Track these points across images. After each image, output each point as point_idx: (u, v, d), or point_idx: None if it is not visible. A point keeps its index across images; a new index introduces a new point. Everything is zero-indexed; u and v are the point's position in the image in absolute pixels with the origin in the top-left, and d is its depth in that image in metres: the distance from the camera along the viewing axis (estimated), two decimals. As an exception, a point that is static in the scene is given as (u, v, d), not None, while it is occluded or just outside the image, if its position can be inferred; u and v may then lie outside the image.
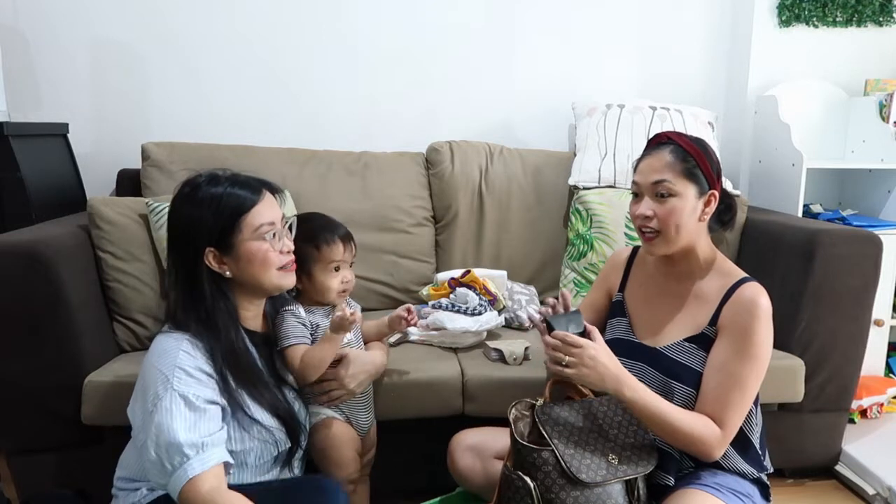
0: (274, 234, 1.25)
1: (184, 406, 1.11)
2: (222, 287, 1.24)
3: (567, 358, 1.19)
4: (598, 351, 1.20)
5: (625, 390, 1.20)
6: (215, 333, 1.20)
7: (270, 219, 1.25)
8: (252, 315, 1.32)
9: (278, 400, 1.27)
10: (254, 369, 1.26)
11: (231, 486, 1.15)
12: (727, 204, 1.36)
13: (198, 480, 1.08)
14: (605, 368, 1.20)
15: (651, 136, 2.20)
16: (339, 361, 1.40)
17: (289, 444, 1.28)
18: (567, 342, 1.20)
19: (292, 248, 1.31)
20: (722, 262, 1.34)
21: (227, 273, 1.23)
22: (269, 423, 1.23)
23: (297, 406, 1.35)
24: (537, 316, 1.30)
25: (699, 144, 1.31)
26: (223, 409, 1.17)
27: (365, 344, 1.56)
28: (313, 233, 1.42)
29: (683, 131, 1.75)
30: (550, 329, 1.23)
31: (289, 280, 1.30)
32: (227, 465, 1.15)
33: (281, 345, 1.36)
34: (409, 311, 1.52)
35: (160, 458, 1.09)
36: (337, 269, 1.44)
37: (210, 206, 1.21)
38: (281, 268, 1.27)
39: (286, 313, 1.39)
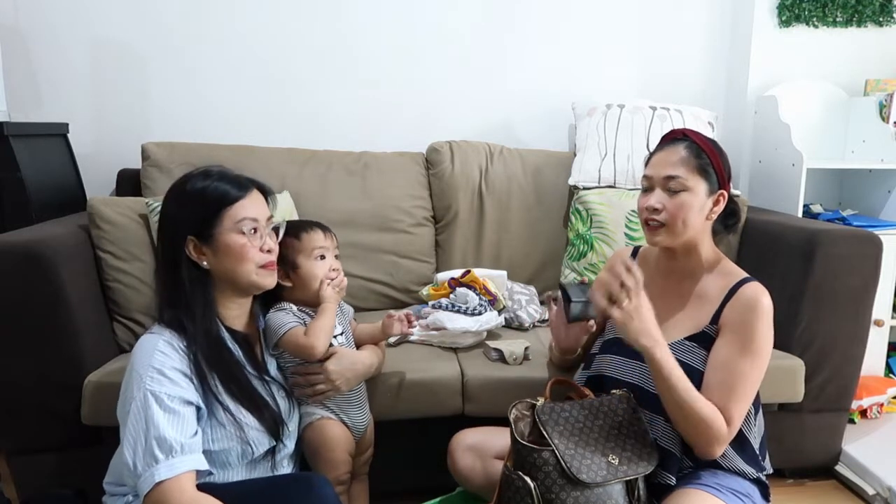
0: (255, 230, 1.24)
1: (155, 405, 1.09)
2: (202, 279, 1.23)
3: (625, 299, 1.17)
4: (643, 305, 1.20)
5: (657, 350, 1.18)
6: (191, 319, 1.19)
7: (254, 215, 1.24)
8: (234, 315, 1.30)
9: (258, 395, 1.26)
10: (231, 359, 1.24)
11: (216, 485, 1.15)
12: (732, 209, 1.36)
13: (164, 486, 1.06)
14: (645, 323, 1.19)
15: (650, 134, 2.23)
16: (328, 357, 1.39)
17: (270, 445, 1.26)
18: (628, 285, 1.17)
19: (275, 249, 1.29)
20: (725, 264, 1.35)
21: (205, 264, 1.23)
22: (246, 419, 1.21)
23: (285, 404, 1.34)
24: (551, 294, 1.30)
25: (713, 143, 1.32)
26: (199, 410, 1.16)
27: (357, 348, 1.55)
28: (291, 227, 1.43)
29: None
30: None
31: (267, 280, 1.28)
32: (199, 472, 1.12)
33: (277, 335, 1.35)
34: (407, 316, 1.52)
35: (132, 459, 1.08)
36: (322, 257, 1.44)
37: (196, 197, 1.23)
38: (261, 266, 1.25)
39: (275, 311, 1.39)
